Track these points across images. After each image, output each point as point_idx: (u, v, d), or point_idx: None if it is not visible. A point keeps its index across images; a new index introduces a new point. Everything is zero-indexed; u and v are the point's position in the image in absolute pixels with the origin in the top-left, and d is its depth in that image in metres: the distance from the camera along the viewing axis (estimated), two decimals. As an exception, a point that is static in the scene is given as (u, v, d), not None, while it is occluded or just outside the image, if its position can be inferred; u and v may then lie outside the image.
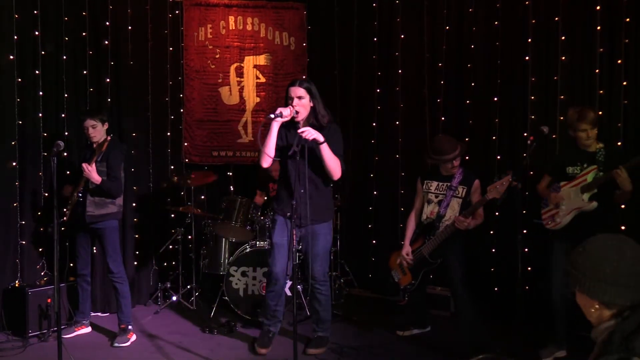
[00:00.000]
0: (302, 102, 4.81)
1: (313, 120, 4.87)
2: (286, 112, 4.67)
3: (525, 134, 6.02)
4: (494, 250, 6.26)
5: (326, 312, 5.31)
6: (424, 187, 5.53)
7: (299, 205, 4.75)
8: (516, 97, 6.18)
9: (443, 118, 6.71)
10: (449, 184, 5.34)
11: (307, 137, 4.59)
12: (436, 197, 5.40)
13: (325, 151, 4.72)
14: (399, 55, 7.10)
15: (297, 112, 4.77)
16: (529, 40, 6.06)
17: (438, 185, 5.43)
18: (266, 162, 4.86)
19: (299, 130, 4.62)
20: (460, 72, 6.64)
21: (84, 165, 5.40)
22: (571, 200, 4.86)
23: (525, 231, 5.74)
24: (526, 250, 5.83)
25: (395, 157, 7.11)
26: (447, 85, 6.74)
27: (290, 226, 4.80)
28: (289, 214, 4.75)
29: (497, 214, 6.16)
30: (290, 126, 4.90)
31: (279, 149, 4.88)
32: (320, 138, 4.67)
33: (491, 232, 6.26)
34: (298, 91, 4.82)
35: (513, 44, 6.21)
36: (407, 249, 5.50)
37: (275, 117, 4.64)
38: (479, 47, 6.50)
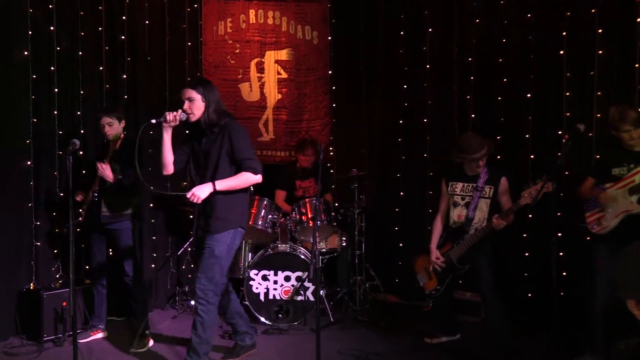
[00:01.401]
0: (194, 105, 4.64)
1: (205, 121, 4.71)
2: (170, 117, 4.56)
3: (559, 132, 5.98)
4: (527, 254, 6.23)
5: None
6: (449, 188, 5.53)
7: None
8: (550, 94, 6.14)
9: (473, 115, 6.70)
10: (474, 184, 5.35)
11: (197, 202, 4.58)
12: (462, 199, 5.41)
13: (223, 186, 4.63)
14: (426, 49, 7.11)
15: (186, 115, 4.64)
16: (564, 33, 6.02)
17: (464, 186, 5.44)
18: (165, 171, 4.83)
19: (188, 195, 4.57)
20: (491, 67, 6.62)
21: (98, 164, 5.49)
22: (618, 202, 4.78)
23: (560, 234, 5.73)
24: (561, 254, 5.80)
25: (423, 157, 7.11)
26: (477, 81, 6.74)
27: (314, 228, 4.83)
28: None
29: (530, 216, 6.13)
30: (198, 130, 4.77)
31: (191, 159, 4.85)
32: (208, 191, 4.59)
33: (524, 235, 6.24)
34: (187, 93, 4.66)
35: (547, 37, 6.17)
36: (436, 253, 5.51)
37: (157, 122, 4.54)
38: (510, 41, 6.48)
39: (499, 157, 6.24)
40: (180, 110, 4.62)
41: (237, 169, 4.68)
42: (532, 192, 4.83)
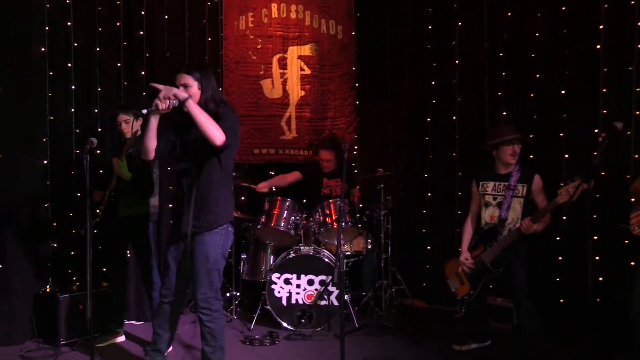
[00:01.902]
0: (189, 91, 4.38)
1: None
2: (163, 106, 4.23)
3: (596, 131, 5.89)
4: (560, 258, 6.16)
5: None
6: (480, 189, 5.50)
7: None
8: (586, 90, 6.06)
9: (504, 113, 6.63)
10: (506, 183, 5.31)
11: (167, 101, 4.20)
12: (494, 199, 5.37)
13: (193, 108, 4.23)
14: (456, 44, 7.07)
15: (178, 103, 4.29)
16: (601, 26, 5.93)
17: (495, 185, 5.40)
18: (145, 157, 4.47)
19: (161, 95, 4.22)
20: (523, 62, 6.55)
21: (114, 160, 5.53)
22: None
23: (596, 237, 5.65)
24: (597, 258, 5.72)
25: (452, 156, 7.08)
26: (509, 77, 6.67)
27: (339, 230, 4.81)
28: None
29: (564, 218, 6.05)
30: (189, 117, 4.38)
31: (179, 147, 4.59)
32: (182, 95, 4.25)
33: (557, 238, 6.15)
34: (183, 78, 4.43)
35: (582, 30, 6.09)
36: (465, 254, 5.48)
37: (149, 111, 4.24)
38: (544, 35, 6.40)
39: (531, 156, 6.18)
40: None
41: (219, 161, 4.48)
42: (569, 189, 4.77)
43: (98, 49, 6.54)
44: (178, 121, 4.49)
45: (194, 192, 4.44)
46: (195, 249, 4.45)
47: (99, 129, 6.53)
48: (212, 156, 4.41)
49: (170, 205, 6.77)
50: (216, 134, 4.22)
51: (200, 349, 4.61)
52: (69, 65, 6.32)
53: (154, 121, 4.33)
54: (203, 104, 4.37)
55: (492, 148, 5.38)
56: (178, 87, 4.37)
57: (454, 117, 7.07)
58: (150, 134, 4.36)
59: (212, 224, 4.45)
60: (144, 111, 4.25)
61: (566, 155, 6.14)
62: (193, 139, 4.45)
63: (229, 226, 4.56)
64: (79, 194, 6.33)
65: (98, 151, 6.35)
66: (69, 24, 6.30)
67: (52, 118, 6.16)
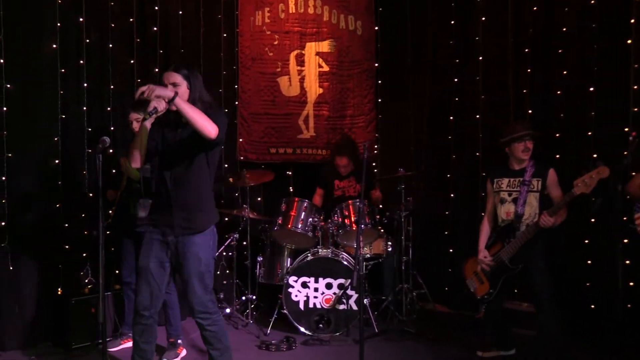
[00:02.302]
0: (179, 90, 4.22)
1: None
2: (162, 107, 4.06)
3: (626, 129, 5.82)
4: (589, 262, 6.08)
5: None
6: (494, 186, 5.48)
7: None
8: (615, 87, 5.98)
9: (530, 111, 6.58)
10: (521, 178, 5.28)
11: (161, 100, 4.04)
12: (509, 195, 5.34)
13: (183, 105, 4.08)
14: (479, 40, 7.02)
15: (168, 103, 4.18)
16: (632, 20, 5.86)
17: (510, 181, 5.37)
18: (135, 164, 4.33)
19: (143, 88, 4.02)
20: (550, 58, 6.49)
21: (122, 159, 5.54)
22: None
23: (626, 241, 5.59)
24: (628, 262, 5.66)
25: (475, 155, 7.03)
26: (535, 73, 6.61)
27: (358, 232, 4.77)
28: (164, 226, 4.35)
29: (592, 220, 6.00)
30: (174, 118, 4.34)
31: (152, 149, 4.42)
32: (168, 93, 4.07)
33: (586, 241, 6.09)
34: (172, 77, 4.29)
35: (612, 24, 6.01)
36: (483, 252, 5.45)
37: (150, 113, 4.04)
38: (571, 30, 6.34)
39: (558, 156, 6.13)
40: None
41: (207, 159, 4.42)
42: (585, 180, 4.74)
43: (111, 45, 6.56)
44: (159, 119, 4.29)
45: (181, 193, 4.31)
46: (185, 252, 4.32)
47: (112, 128, 6.55)
48: (200, 154, 4.33)
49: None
50: (210, 128, 4.10)
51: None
52: (81, 62, 6.34)
53: (149, 126, 4.24)
54: (192, 104, 4.23)
55: (504, 145, 5.37)
56: (166, 86, 4.24)
57: (477, 116, 7.02)
58: (144, 140, 4.27)
59: (205, 224, 4.37)
60: (148, 116, 4.07)
61: (595, 155, 6.03)
62: (180, 138, 4.33)
63: (214, 227, 4.50)
64: (91, 195, 6.35)
65: (110, 150, 6.36)
66: (81, 19, 6.32)
67: (63, 116, 6.18)
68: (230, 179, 6.79)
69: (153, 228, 4.39)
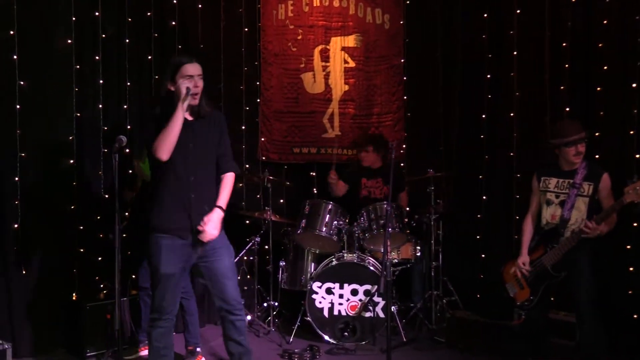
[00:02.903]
0: (201, 84, 4.43)
1: (203, 106, 4.52)
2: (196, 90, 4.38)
3: (672, 128, 5.77)
4: (631, 269, 6.01)
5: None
6: (541, 184, 5.39)
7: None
8: (660, 83, 5.93)
9: (568, 109, 6.50)
10: (571, 180, 5.18)
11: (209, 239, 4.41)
12: (557, 197, 5.25)
13: (225, 203, 4.53)
14: (514, 34, 6.96)
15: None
16: (678, 12, 5.81)
17: (558, 182, 5.28)
18: (165, 156, 4.29)
19: (202, 237, 4.37)
20: (589, 53, 6.43)
21: (136, 162, 5.52)
22: None
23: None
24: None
25: (509, 156, 6.97)
26: (573, 69, 6.53)
27: (385, 236, 4.74)
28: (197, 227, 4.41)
29: (635, 225, 5.92)
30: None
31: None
32: (217, 230, 4.44)
33: (628, 247, 6.02)
34: (199, 68, 4.42)
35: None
36: (524, 257, 5.36)
37: (186, 95, 4.28)
38: (613, 22, 6.27)
39: (597, 156, 6.03)
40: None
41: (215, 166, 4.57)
42: (637, 187, 4.66)
43: (127, 40, 6.56)
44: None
45: (200, 194, 4.43)
46: (216, 249, 4.49)
47: (129, 126, 6.55)
48: (212, 161, 4.56)
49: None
50: None
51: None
52: (97, 58, 6.34)
53: (182, 114, 4.29)
54: (202, 102, 4.45)
55: (554, 147, 5.27)
56: (191, 77, 4.34)
57: (512, 114, 6.96)
58: (179, 128, 4.28)
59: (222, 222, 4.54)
60: (186, 95, 4.24)
61: (637, 155, 6.01)
62: (206, 138, 4.48)
63: None
64: (107, 196, 6.36)
65: (127, 150, 6.37)
66: (96, 14, 6.33)
67: (78, 114, 6.19)
68: (255, 179, 6.81)
69: (174, 236, 4.41)
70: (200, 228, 4.34)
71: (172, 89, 4.37)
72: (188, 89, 4.27)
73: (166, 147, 4.25)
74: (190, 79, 4.34)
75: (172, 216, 4.40)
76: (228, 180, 4.59)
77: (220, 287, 4.52)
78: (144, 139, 4.39)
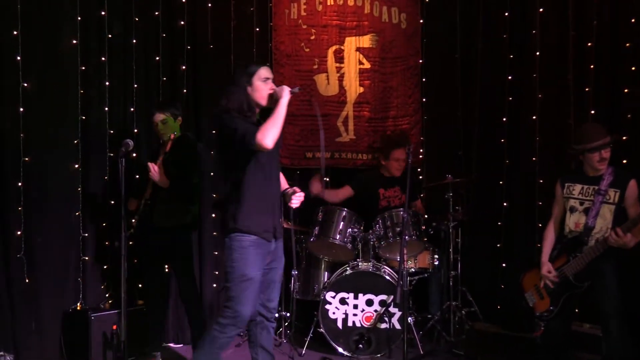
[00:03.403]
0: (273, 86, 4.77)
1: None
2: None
3: None
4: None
5: None
6: (565, 191, 5.35)
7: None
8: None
9: (593, 111, 6.47)
10: (596, 187, 5.14)
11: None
12: (581, 203, 5.22)
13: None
14: (536, 33, 6.92)
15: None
16: None
17: (583, 188, 5.25)
18: (270, 144, 4.47)
19: (293, 204, 4.80)
20: (616, 53, 6.40)
21: (150, 164, 5.52)
22: None
23: None
24: None
25: (532, 160, 6.93)
26: (598, 70, 6.50)
27: (402, 244, 4.73)
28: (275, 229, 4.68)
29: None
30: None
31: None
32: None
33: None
34: (270, 72, 4.78)
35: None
36: (547, 266, 5.32)
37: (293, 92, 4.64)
38: (641, 21, 6.26)
39: (625, 161, 6.02)
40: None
41: None
42: None
43: (135, 41, 6.60)
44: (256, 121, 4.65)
45: (278, 193, 4.77)
46: (279, 257, 4.82)
47: (135, 130, 6.58)
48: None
49: (214, 215, 6.78)
50: None
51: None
52: (103, 59, 6.37)
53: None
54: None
55: (577, 154, 5.23)
56: (268, 79, 4.67)
57: (534, 117, 6.92)
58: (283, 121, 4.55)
59: None
60: (297, 89, 4.67)
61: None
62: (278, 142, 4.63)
63: None
64: (113, 202, 6.37)
65: (134, 154, 6.38)
66: (102, 13, 6.36)
67: (84, 117, 6.21)
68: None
69: (262, 238, 4.57)
70: (296, 193, 4.80)
71: (250, 91, 4.62)
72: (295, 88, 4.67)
73: (273, 135, 4.43)
74: (267, 81, 4.67)
75: (260, 218, 4.57)
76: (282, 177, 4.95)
77: (269, 294, 4.75)
78: (236, 133, 4.45)
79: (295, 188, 4.79)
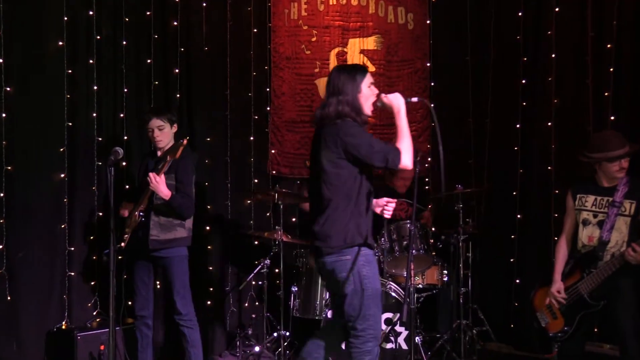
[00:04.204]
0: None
1: None
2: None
3: None
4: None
5: None
6: (577, 202, 5.33)
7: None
8: None
9: (612, 117, 6.45)
10: (610, 198, 5.12)
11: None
12: (595, 216, 5.20)
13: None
14: (552, 34, 6.92)
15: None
16: None
17: (596, 200, 5.22)
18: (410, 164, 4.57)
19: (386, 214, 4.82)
20: (638, 55, 6.38)
21: (152, 174, 5.46)
22: None
23: None
24: None
25: (547, 170, 6.94)
26: (618, 73, 6.49)
27: (409, 259, 4.71)
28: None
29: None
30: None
31: None
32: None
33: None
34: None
35: None
36: (558, 284, 5.30)
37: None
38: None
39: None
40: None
41: None
42: None
43: (125, 42, 6.60)
44: None
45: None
46: None
47: (125, 137, 6.57)
48: None
49: (208, 228, 6.77)
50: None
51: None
52: (91, 61, 6.37)
53: None
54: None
55: (595, 161, 5.21)
56: (371, 87, 4.64)
57: (549, 123, 6.92)
58: None
59: None
60: (416, 99, 4.71)
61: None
62: None
63: None
64: (100, 214, 6.36)
65: (124, 163, 6.37)
66: (90, 13, 6.35)
67: (70, 124, 6.21)
68: (259, 196, 6.83)
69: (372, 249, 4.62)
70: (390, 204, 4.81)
71: (359, 98, 4.57)
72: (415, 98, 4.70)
73: (411, 154, 4.54)
74: (372, 87, 4.64)
75: (371, 231, 4.62)
76: None
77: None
78: (362, 149, 4.45)
79: (387, 198, 4.81)
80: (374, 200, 4.71)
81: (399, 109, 4.53)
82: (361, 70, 4.68)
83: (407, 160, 4.44)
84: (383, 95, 4.60)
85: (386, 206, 4.78)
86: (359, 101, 4.53)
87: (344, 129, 4.43)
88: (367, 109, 4.59)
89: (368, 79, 4.61)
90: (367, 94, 4.57)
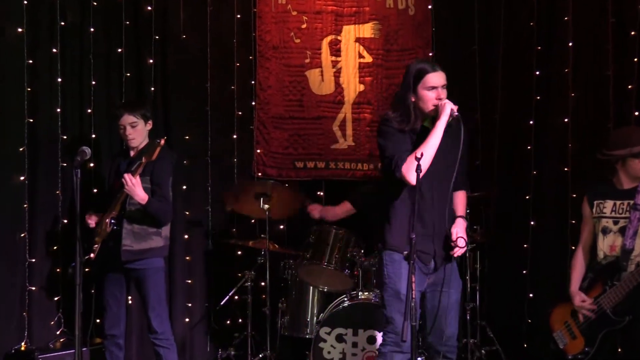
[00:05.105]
0: (444, 95, 4.76)
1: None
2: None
3: None
4: None
5: None
6: (594, 210, 5.35)
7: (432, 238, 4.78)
8: None
9: (637, 113, 6.46)
10: (631, 201, 5.13)
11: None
12: (615, 222, 5.21)
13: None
14: (568, 20, 6.90)
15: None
16: None
17: (615, 205, 5.24)
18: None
19: (455, 252, 4.83)
20: (664, 43, 6.39)
21: (127, 175, 5.38)
22: None
23: None
24: None
25: (563, 171, 6.92)
26: (643, 63, 6.51)
27: (409, 270, 4.66)
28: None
29: None
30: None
31: None
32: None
33: None
34: (443, 77, 4.80)
35: None
36: (580, 295, 5.30)
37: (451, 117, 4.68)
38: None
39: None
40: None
41: None
42: None
43: (92, 29, 6.61)
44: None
45: (443, 214, 4.76)
46: (450, 278, 4.91)
47: (93, 135, 6.56)
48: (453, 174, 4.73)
49: (186, 237, 6.70)
50: None
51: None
52: (54, 51, 6.39)
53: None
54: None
55: (617, 159, 5.16)
56: (435, 88, 4.70)
57: (566, 119, 6.90)
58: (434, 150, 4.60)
59: None
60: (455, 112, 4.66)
61: None
62: (445, 152, 4.69)
63: None
64: (65, 221, 6.34)
65: (92, 164, 6.32)
66: (54, -4, 6.34)
67: (31, 120, 6.23)
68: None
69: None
70: (455, 239, 4.76)
71: (414, 99, 4.72)
72: (452, 110, 4.63)
73: (422, 168, 4.45)
74: (434, 90, 4.69)
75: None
76: (462, 197, 5.02)
77: (441, 323, 4.95)
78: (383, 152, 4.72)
79: (456, 236, 4.80)
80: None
81: (439, 119, 4.63)
82: (423, 68, 4.80)
83: (407, 171, 4.50)
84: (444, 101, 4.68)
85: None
86: (414, 101, 4.74)
87: (378, 132, 4.91)
88: (427, 111, 4.77)
89: (428, 80, 4.71)
90: (425, 96, 4.72)
